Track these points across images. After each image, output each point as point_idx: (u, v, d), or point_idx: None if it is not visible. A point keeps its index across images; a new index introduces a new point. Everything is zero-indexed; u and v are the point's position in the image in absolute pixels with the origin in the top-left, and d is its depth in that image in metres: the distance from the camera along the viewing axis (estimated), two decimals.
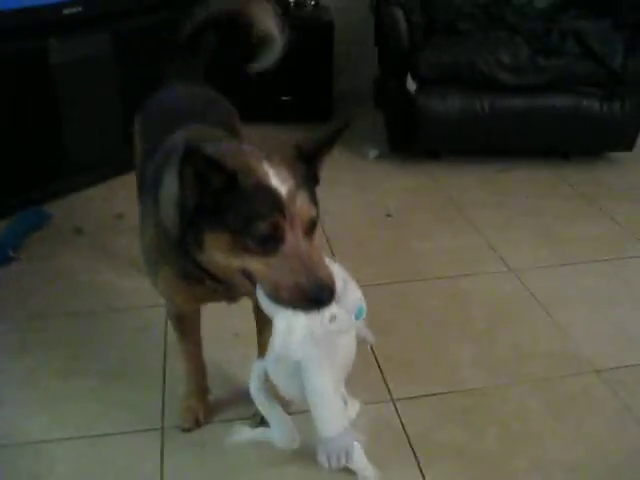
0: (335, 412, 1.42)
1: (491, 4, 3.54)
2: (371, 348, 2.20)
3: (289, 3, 3.92)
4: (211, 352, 1.97)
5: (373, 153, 3.63)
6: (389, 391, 2.05)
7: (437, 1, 3.54)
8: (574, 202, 3.25)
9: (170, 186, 1.41)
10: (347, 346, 1.46)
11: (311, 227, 1.33)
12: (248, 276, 1.33)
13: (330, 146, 1.41)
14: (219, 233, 1.30)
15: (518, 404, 2.02)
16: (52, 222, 3.02)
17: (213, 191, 1.28)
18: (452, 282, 2.60)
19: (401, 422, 1.94)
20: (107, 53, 3.22)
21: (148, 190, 1.61)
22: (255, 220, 1.26)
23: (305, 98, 4.01)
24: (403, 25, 3.25)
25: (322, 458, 1.41)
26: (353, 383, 1.98)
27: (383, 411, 1.98)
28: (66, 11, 3.01)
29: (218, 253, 1.33)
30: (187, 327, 1.83)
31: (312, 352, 1.34)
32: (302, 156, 1.37)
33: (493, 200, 3.22)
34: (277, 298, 1.29)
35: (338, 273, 1.38)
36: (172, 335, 2.18)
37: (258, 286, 1.32)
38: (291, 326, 1.30)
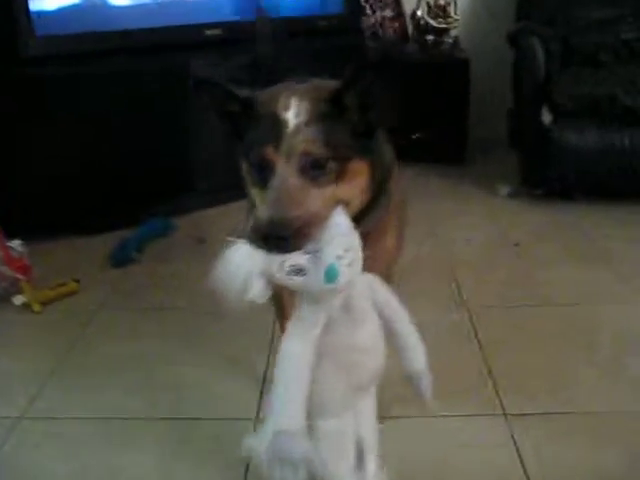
0: (293, 398, 1.16)
1: (634, 39, 3.38)
2: (485, 363, 2.07)
3: (426, 40, 3.93)
4: None
5: (504, 190, 3.50)
6: (502, 406, 1.89)
7: (577, 32, 3.42)
8: None
9: None
10: (354, 342, 1.24)
11: (311, 165, 1.19)
12: None
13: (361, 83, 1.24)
14: (242, 160, 1.28)
15: None
16: (177, 232, 3.10)
17: (231, 116, 1.30)
18: (577, 309, 2.40)
19: (512, 437, 1.76)
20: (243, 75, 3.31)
21: None
22: (251, 146, 1.23)
23: (438, 138, 3.91)
24: (540, 54, 3.15)
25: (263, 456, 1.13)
26: (464, 395, 1.91)
27: (494, 425, 1.82)
28: (208, 32, 3.16)
29: (248, 186, 1.30)
30: (283, 307, 1.77)
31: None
32: (334, 98, 1.24)
33: (631, 237, 2.99)
34: None
35: (335, 227, 1.15)
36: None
37: None
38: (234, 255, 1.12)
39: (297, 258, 1.11)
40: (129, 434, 1.83)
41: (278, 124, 1.20)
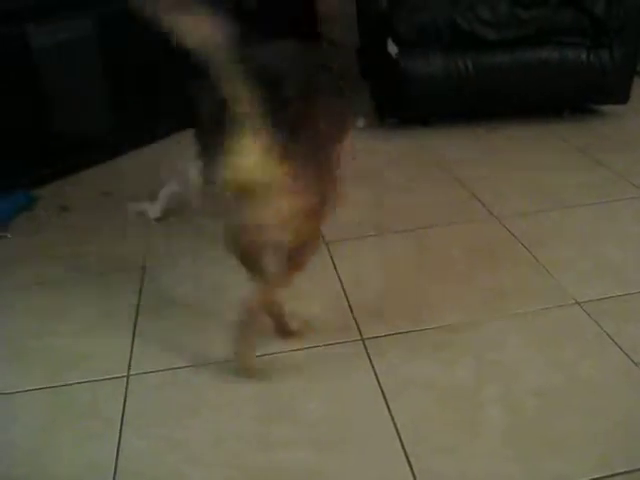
0: None
1: None
2: (344, 293, 2.19)
3: None
4: None
5: (360, 122, 3.58)
6: (359, 331, 2.01)
7: None
8: (567, 154, 3.19)
9: None
10: None
11: None
12: None
13: None
14: None
15: (494, 337, 1.96)
16: (40, 202, 3.05)
17: None
18: (432, 231, 2.55)
19: (369, 359, 1.90)
20: (89, 36, 3.23)
21: None
22: None
23: None
24: None
25: None
26: (322, 323, 2.04)
27: (353, 350, 1.94)
28: None
29: None
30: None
31: None
32: None
33: (481, 157, 3.17)
34: None
35: None
36: (146, 294, 2.24)
37: None
38: None
39: None
40: (5, 410, 1.84)
41: None
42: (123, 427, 1.72)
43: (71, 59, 3.21)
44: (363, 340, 1.98)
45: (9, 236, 2.79)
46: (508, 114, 3.54)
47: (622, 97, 3.41)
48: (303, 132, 1.55)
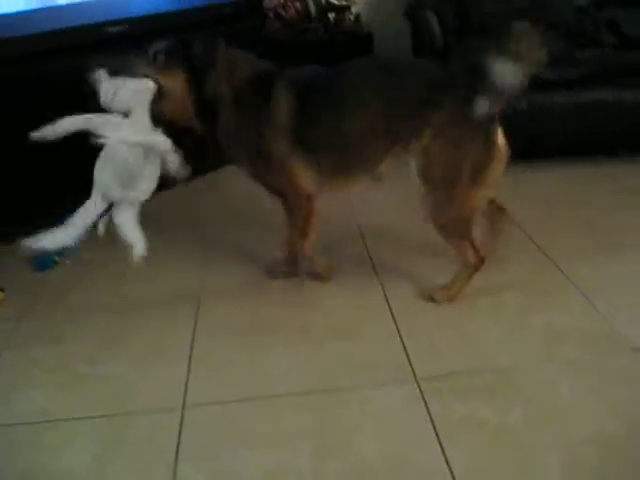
0: None
1: (526, 7, 3.51)
2: (397, 329, 2.20)
3: (329, 19, 4.00)
4: None
5: None
6: (413, 371, 2.02)
7: (471, 5, 3.53)
8: (620, 195, 3.14)
9: None
10: None
11: None
12: None
13: None
14: None
15: (547, 381, 1.95)
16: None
17: None
18: (482, 272, 2.44)
19: (424, 400, 1.90)
20: None
21: None
22: None
23: None
24: (437, 28, 3.26)
25: None
26: (377, 363, 2.03)
27: (406, 390, 1.95)
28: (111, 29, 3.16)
29: None
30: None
31: None
32: None
33: (535, 197, 3.15)
34: None
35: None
36: (201, 324, 2.29)
37: None
38: None
39: None
40: (61, 436, 1.88)
41: None
42: (178, 459, 1.75)
43: None
44: (417, 380, 1.98)
45: (67, 262, 2.85)
46: (563, 153, 3.52)
47: None
48: None
